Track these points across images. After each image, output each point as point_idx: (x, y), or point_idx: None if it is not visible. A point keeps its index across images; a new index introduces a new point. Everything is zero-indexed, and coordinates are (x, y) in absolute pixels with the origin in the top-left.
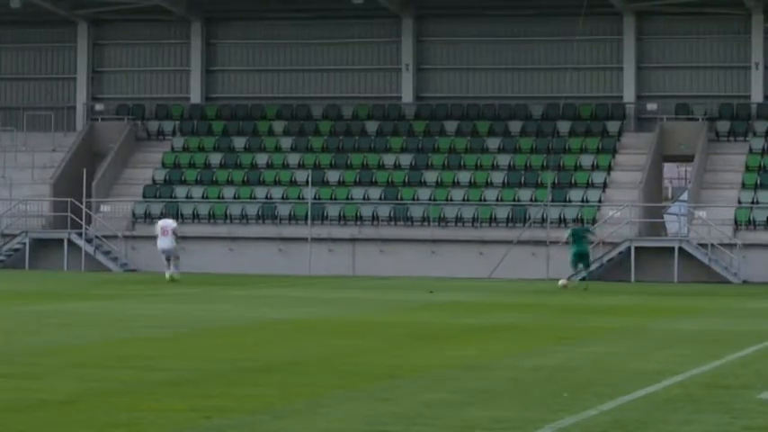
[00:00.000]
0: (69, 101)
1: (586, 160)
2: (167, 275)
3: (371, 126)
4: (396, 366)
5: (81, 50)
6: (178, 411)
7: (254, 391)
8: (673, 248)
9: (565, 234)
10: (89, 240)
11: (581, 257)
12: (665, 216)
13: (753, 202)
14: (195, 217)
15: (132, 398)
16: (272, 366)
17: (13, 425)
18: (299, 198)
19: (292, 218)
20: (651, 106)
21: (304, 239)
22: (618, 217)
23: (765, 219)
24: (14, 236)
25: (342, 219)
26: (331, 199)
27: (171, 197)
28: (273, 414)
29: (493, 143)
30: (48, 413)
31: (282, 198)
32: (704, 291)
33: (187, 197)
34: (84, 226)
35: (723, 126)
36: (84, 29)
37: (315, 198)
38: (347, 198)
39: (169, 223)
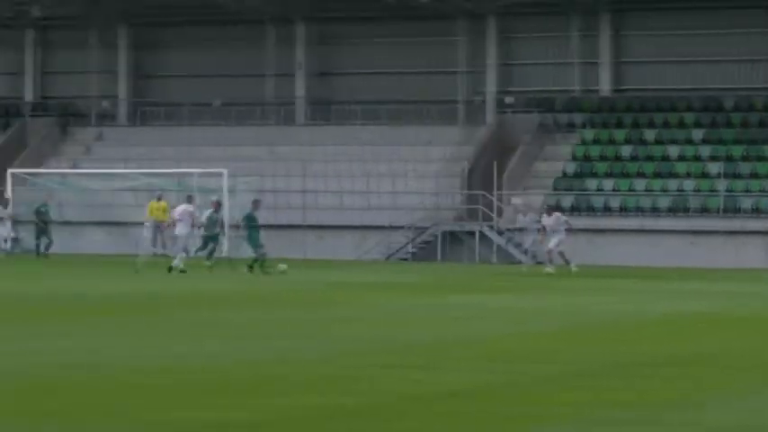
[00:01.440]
0: (478, 94)
1: None
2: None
3: None
4: None
5: (490, 43)
6: (579, 404)
7: (656, 384)
8: None
9: None
10: (500, 233)
11: None
12: None
13: None
14: (606, 209)
15: (533, 390)
16: (673, 360)
17: (415, 413)
18: (710, 190)
19: (704, 210)
20: None
21: (716, 232)
22: None
23: None
24: (426, 228)
25: (755, 211)
26: (744, 191)
27: (581, 190)
28: (674, 407)
29: None
30: (449, 404)
31: (694, 190)
32: None
33: (597, 190)
34: (495, 218)
35: None
36: (493, 22)
37: (727, 190)
38: (760, 190)
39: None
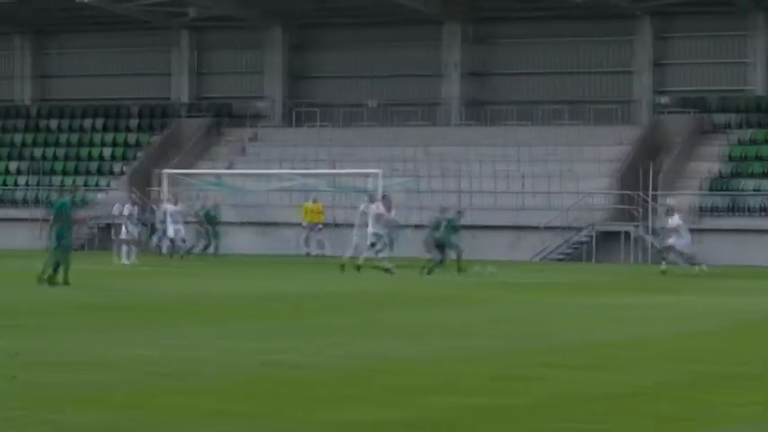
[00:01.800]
0: (633, 94)
1: None
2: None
3: None
4: None
5: (644, 43)
6: (747, 405)
7: None
8: None
9: None
10: (654, 233)
11: None
12: None
13: None
14: (763, 210)
15: (701, 391)
16: None
17: (579, 414)
18: None
19: None
20: None
21: None
22: None
23: None
24: (581, 229)
25: None
26: None
27: (737, 190)
28: None
29: None
30: (618, 405)
31: None
32: None
33: (753, 190)
34: (650, 218)
35: None
36: (646, 22)
37: None
38: None
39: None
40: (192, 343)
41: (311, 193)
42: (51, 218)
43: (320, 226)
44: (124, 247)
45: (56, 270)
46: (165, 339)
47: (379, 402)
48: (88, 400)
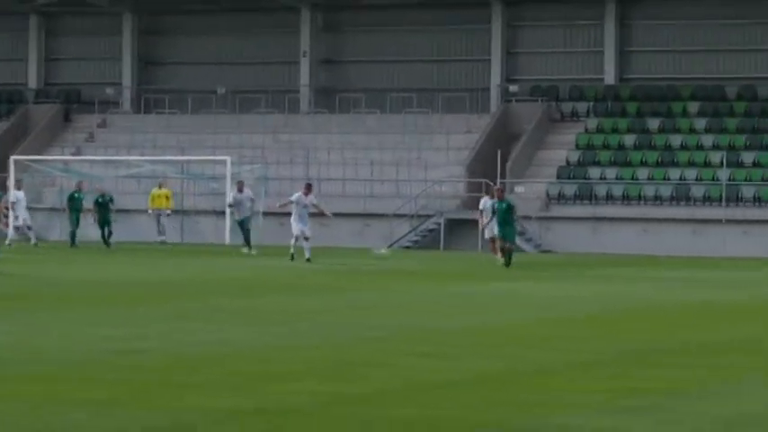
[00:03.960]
0: (484, 82)
1: None
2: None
3: None
4: None
5: (495, 32)
6: (593, 392)
7: (670, 373)
8: None
9: None
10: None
11: None
12: None
13: None
14: (609, 198)
15: (547, 378)
16: (687, 348)
17: (425, 400)
18: (713, 179)
19: (706, 199)
20: None
21: (718, 221)
22: None
23: None
24: (429, 216)
25: (757, 200)
26: (746, 180)
27: (584, 178)
28: (689, 396)
29: None
30: (458, 391)
31: (696, 179)
32: None
33: (600, 178)
34: None
35: None
36: (498, 10)
37: (729, 179)
38: (763, 179)
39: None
40: (40, 330)
41: (158, 179)
42: None
43: (168, 212)
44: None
45: None
46: (14, 326)
47: (234, 389)
48: None
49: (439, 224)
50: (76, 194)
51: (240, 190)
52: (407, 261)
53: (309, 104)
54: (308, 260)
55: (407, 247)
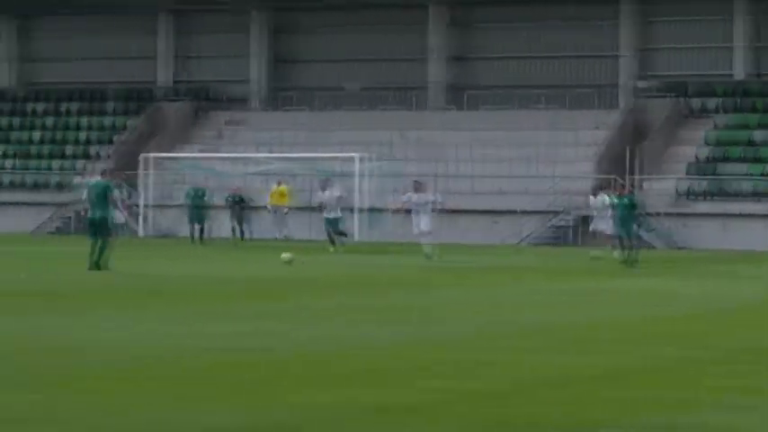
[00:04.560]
0: (613, 78)
1: None
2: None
3: None
4: None
5: (626, 28)
6: (704, 390)
7: None
8: None
9: None
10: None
11: None
12: None
13: None
14: (739, 194)
15: (657, 374)
16: None
17: (543, 398)
18: None
19: None
20: None
21: None
22: None
23: None
24: (558, 213)
25: None
26: None
27: (714, 174)
28: None
29: None
30: (591, 387)
31: None
32: None
33: (730, 174)
34: None
35: None
36: (628, 7)
37: None
38: None
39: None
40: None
41: (282, 176)
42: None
43: (286, 210)
44: None
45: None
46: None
47: (358, 384)
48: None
49: (568, 221)
50: (195, 191)
51: (323, 189)
52: (533, 258)
53: (437, 101)
54: (427, 256)
55: (539, 244)
